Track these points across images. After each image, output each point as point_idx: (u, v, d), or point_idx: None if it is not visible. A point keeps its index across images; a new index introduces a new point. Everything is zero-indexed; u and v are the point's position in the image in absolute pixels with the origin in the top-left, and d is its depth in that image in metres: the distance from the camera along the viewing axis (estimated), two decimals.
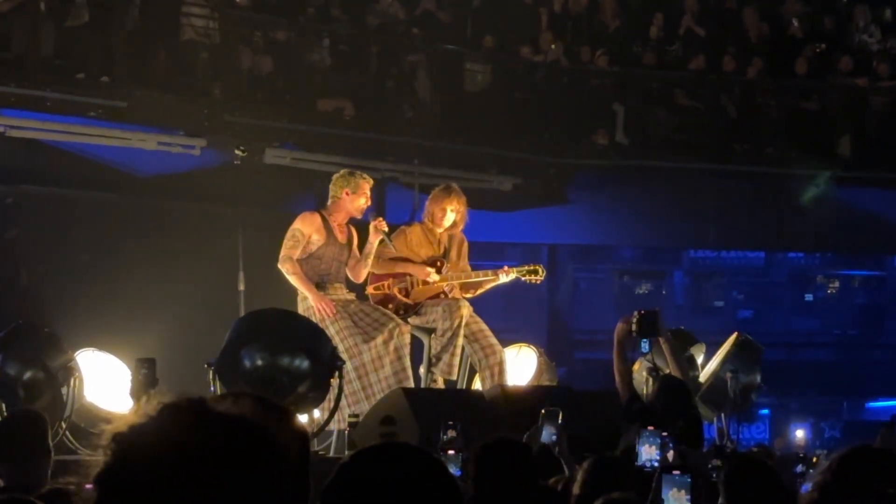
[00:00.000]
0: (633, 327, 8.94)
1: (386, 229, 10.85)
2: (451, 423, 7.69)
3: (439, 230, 11.23)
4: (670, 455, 6.21)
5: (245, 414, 2.01)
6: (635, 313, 9.02)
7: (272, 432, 2.00)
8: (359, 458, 2.70)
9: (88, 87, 14.88)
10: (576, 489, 5.47)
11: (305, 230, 10.74)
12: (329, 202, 10.92)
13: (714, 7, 20.44)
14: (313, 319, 10.45)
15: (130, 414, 2.00)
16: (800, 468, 7.60)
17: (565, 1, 19.48)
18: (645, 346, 9.03)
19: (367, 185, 10.90)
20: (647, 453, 6.16)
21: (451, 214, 11.15)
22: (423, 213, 11.47)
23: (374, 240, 10.85)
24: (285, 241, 10.72)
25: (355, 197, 10.82)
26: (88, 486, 1.98)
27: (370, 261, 10.93)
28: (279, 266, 10.64)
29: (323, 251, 10.76)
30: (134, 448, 1.94)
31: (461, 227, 11.31)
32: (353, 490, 2.58)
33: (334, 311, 10.58)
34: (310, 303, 10.67)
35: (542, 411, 7.64)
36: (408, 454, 2.69)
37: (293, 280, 10.64)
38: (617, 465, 5.76)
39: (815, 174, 18.71)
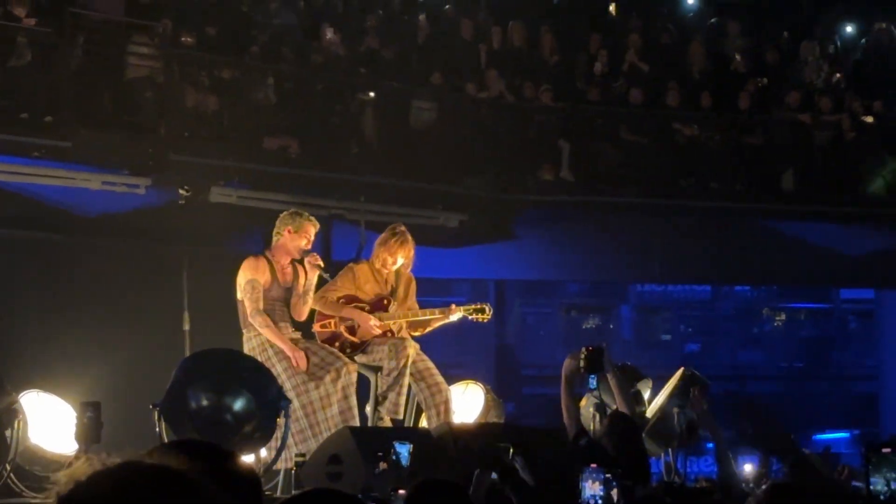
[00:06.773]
0: (581, 363, 8.96)
1: (321, 264, 10.84)
2: (380, 453, 7.58)
3: (386, 271, 11.25)
4: (614, 493, 6.21)
5: (172, 465, 2.12)
6: (582, 349, 9.03)
7: (198, 480, 2.10)
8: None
9: (32, 127, 14.79)
10: None
11: (260, 278, 10.67)
12: (273, 241, 10.89)
13: (657, 43, 20.57)
14: (259, 359, 10.42)
15: (71, 472, 2.13)
16: None
17: (503, 37, 19.57)
18: (592, 381, 9.05)
19: (311, 227, 10.86)
20: (591, 489, 6.15)
21: (400, 260, 11.18)
22: (371, 254, 11.44)
23: (312, 276, 10.83)
24: (246, 293, 10.61)
25: (297, 237, 10.79)
26: None
27: (310, 298, 10.89)
28: (251, 321, 10.53)
29: (266, 293, 10.72)
30: None
31: (409, 268, 11.33)
32: None
33: (307, 363, 10.56)
34: (255, 342, 10.64)
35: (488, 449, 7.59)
36: (337, 501, 2.70)
37: (267, 333, 10.54)
38: None
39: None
